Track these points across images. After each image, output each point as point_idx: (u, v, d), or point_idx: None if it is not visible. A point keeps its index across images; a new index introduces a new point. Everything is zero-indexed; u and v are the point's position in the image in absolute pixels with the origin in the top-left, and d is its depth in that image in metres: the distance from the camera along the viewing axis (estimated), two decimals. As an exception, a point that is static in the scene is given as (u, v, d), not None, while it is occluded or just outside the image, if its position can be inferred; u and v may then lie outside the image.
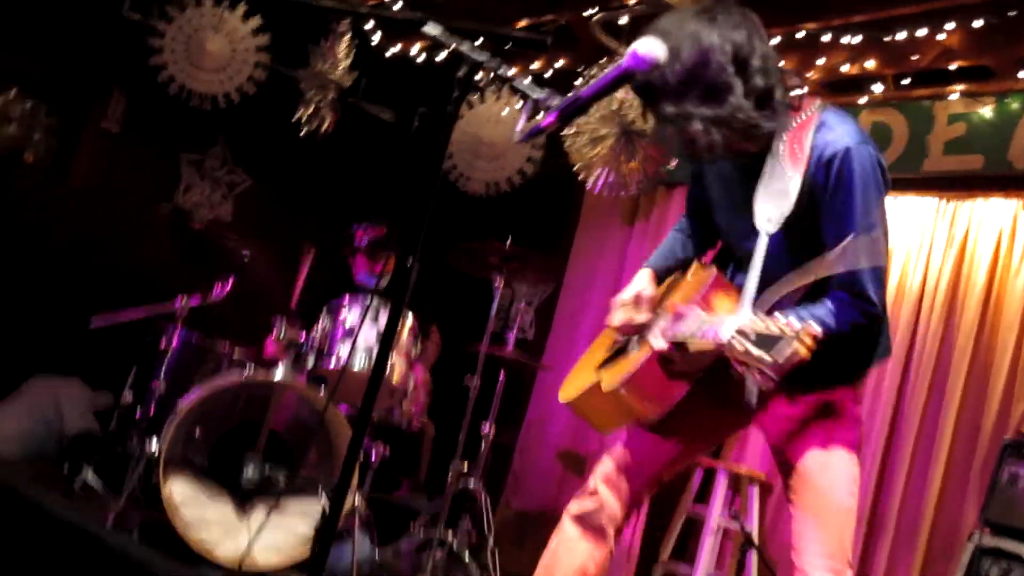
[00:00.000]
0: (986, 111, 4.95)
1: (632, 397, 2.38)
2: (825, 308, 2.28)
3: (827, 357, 2.08)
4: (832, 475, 2.46)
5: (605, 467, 2.62)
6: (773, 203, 2.33)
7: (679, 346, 2.27)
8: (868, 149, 2.32)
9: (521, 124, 2.31)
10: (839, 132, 2.33)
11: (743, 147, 2.38)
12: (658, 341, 2.30)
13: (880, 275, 2.34)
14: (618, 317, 2.56)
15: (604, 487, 2.59)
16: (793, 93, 2.39)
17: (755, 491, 5.42)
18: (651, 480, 2.63)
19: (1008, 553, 3.69)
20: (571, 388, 2.68)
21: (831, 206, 2.30)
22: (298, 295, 4.81)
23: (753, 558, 5.25)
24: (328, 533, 2.24)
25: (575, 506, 2.61)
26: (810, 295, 2.32)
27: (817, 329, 1.94)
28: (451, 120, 2.31)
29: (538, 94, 2.31)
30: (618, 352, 2.60)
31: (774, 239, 2.32)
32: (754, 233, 2.35)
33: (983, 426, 4.86)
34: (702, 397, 2.45)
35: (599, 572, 2.56)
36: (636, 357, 2.42)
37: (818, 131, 2.34)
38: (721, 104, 2.25)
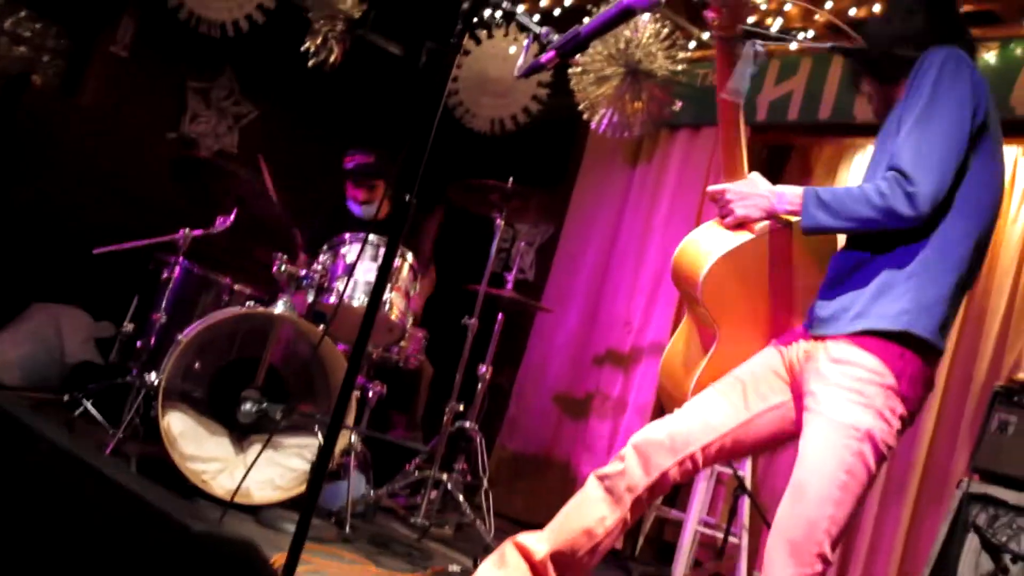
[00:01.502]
0: (990, 56, 4.90)
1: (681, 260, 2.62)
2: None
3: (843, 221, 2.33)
4: (822, 452, 2.37)
5: (641, 435, 2.58)
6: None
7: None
8: (947, 50, 2.44)
9: (521, 59, 2.29)
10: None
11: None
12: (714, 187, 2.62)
13: (937, 166, 2.33)
14: None
15: (633, 454, 2.54)
16: None
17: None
18: (684, 461, 2.54)
19: (995, 499, 3.71)
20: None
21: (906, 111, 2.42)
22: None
23: (745, 504, 5.29)
24: (321, 469, 2.25)
25: (606, 467, 2.58)
26: None
27: None
28: (454, 53, 2.30)
29: (539, 29, 2.30)
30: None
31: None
32: None
33: (975, 374, 4.89)
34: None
35: (607, 537, 2.52)
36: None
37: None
38: None
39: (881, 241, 2.43)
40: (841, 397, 2.36)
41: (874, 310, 2.38)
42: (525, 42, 2.32)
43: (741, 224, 2.63)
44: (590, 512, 2.54)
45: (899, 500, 4.95)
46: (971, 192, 2.41)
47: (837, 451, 2.34)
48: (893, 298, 2.37)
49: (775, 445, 2.65)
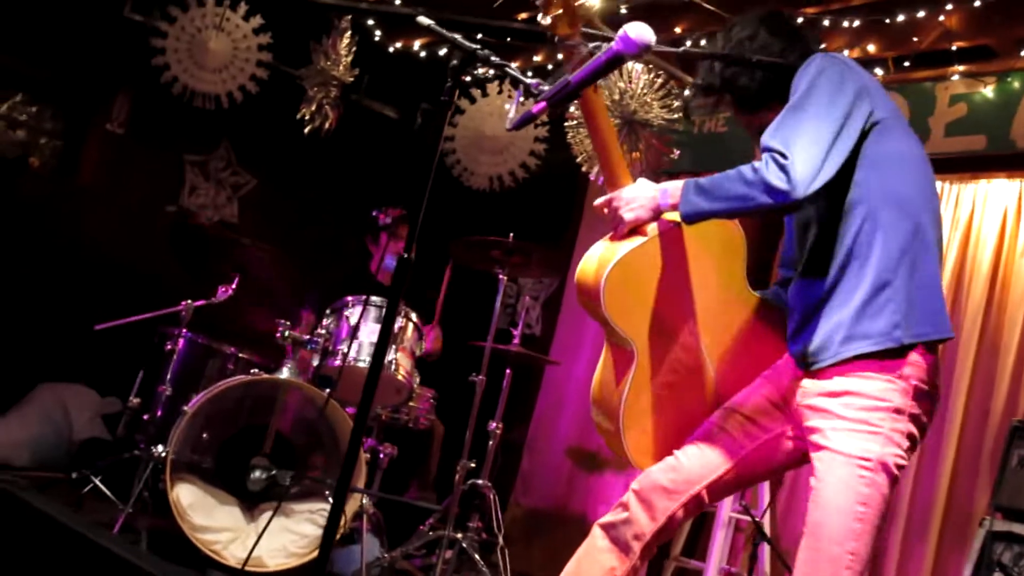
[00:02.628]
0: (988, 91, 4.92)
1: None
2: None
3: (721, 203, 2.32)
4: (835, 488, 2.31)
5: (641, 481, 2.53)
6: None
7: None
8: (827, 55, 2.46)
9: (512, 111, 2.29)
10: None
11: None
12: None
13: (811, 146, 2.28)
14: None
15: (635, 501, 2.50)
16: None
17: (765, 482, 5.38)
18: (690, 502, 2.49)
19: (1020, 537, 3.65)
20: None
21: None
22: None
23: (766, 551, 5.21)
24: (330, 534, 2.22)
25: (608, 516, 2.54)
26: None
27: None
28: (445, 110, 2.30)
29: (529, 81, 2.30)
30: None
31: None
32: None
33: (992, 409, 4.83)
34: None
35: None
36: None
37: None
38: None
39: (838, 261, 2.38)
40: (847, 429, 2.30)
41: (861, 331, 2.31)
42: (516, 94, 2.32)
43: (635, 230, 2.56)
44: (599, 564, 2.49)
45: (922, 540, 4.87)
46: (893, 183, 2.38)
47: (850, 485, 2.28)
48: (876, 312, 2.31)
49: (778, 474, 2.60)
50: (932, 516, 4.87)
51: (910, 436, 2.33)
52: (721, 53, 2.59)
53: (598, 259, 2.56)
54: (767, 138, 2.32)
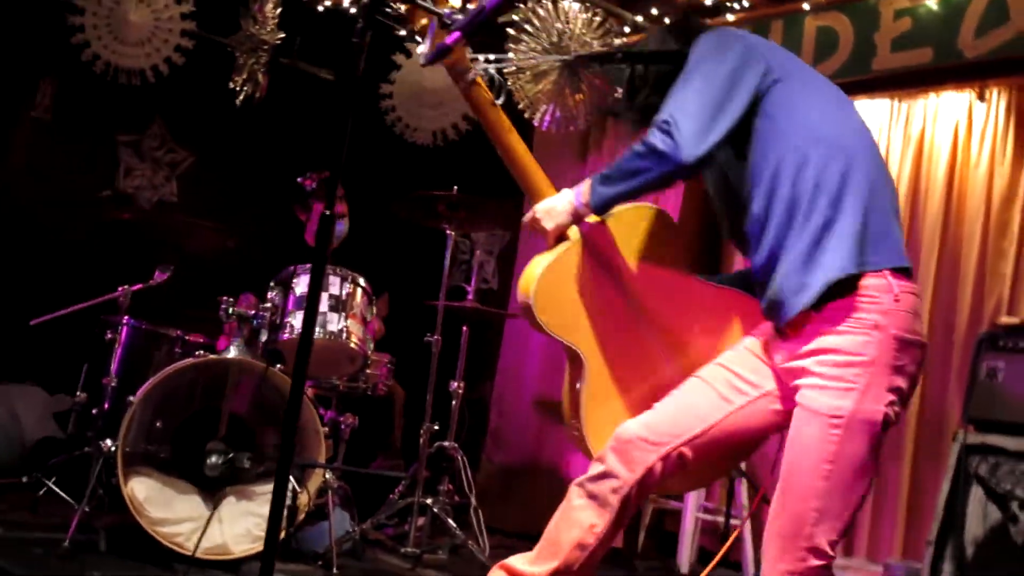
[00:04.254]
0: (931, 3, 4.82)
1: None
2: None
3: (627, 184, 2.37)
4: (803, 445, 2.27)
5: (618, 434, 2.44)
6: None
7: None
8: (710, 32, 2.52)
9: (426, 45, 2.16)
10: None
11: None
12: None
13: (696, 112, 2.31)
14: None
15: (612, 455, 2.41)
16: None
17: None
18: (669, 456, 2.39)
19: (994, 448, 3.60)
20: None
21: None
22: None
23: (743, 487, 5.17)
24: (278, 512, 2.11)
25: (586, 474, 2.45)
26: None
27: None
28: (359, 53, 2.17)
29: (442, 11, 2.17)
30: None
31: None
32: None
33: (957, 323, 4.82)
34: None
35: (600, 546, 2.39)
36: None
37: None
38: None
39: (778, 217, 2.32)
40: (819, 387, 2.26)
41: (811, 277, 2.25)
42: (429, 26, 2.19)
43: (561, 238, 2.57)
44: (578, 522, 2.40)
45: (897, 460, 4.87)
46: (814, 126, 2.35)
47: (817, 442, 2.24)
48: (822, 254, 2.26)
49: (767, 435, 2.51)
50: (905, 434, 4.87)
51: (894, 389, 2.25)
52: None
53: (524, 277, 2.55)
54: (655, 116, 2.34)
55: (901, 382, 2.26)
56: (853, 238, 2.24)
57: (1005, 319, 4.05)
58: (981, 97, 4.97)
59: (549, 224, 2.51)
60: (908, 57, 4.90)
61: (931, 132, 5.12)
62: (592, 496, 2.40)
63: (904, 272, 2.30)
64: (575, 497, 2.43)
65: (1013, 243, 4.74)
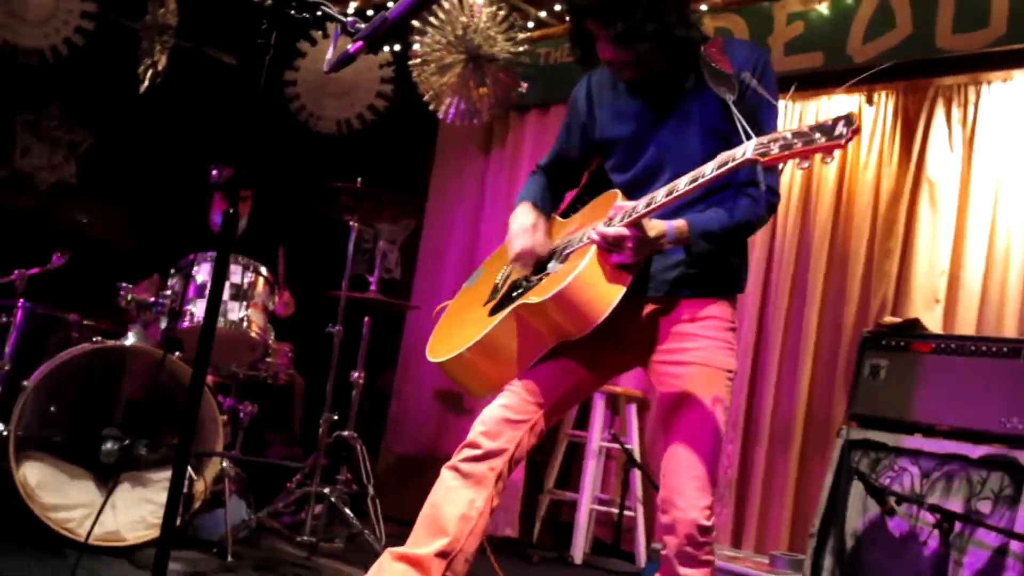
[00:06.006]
0: (823, 8, 4.98)
1: (573, 300, 2.39)
2: (742, 203, 2.49)
3: (727, 247, 2.51)
4: (709, 396, 2.52)
5: (483, 417, 2.60)
6: (697, 106, 2.55)
7: (636, 226, 2.35)
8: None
9: (330, 52, 2.19)
10: (749, 44, 2.83)
11: (664, 63, 2.55)
12: (613, 229, 2.35)
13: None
14: (519, 243, 2.64)
15: (481, 437, 2.55)
16: None
17: (633, 409, 5.44)
18: (532, 427, 2.59)
19: (875, 444, 3.73)
20: (444, 346, 2.70)
21: (756, 104, 2.49)
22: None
23: (637, 477, 5.29)
24: (175, 499, 2.12)
25: (455, 457, 2.57)
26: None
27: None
28: (264, 52, 2.19)
29: (345, 19, 2.20)
30: (515, 288, 2.63)
31: (686, 142, 2.54)
32: (657, 141, 2.57)
33: (844, 322, 4.96)
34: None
35: (481, 518, 2.51)
36: (573, 263, 2.46)
37: (728, 47, 2.60)
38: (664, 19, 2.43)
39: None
40: (715, 348, 2.56)
41: (719, 278, 2.61)
42: (333, 33, 2.21)
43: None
44: (457, 499, 2.51)
45: (785, 452, 5.00)
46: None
47: (719, 393, 2.53)
48: (721, 266, 2.60)
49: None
50: (794, 429, 5.00)
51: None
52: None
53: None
54: (770, 177, 2.46)
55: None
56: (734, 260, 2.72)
57: (888, 319, 4.19)
58: (870, 101, 5.13)
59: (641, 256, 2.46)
60: (801, 61, 5.05)
61: (823, 135, 5.24)
62: (467, 476, 2.52)
63: None
64: (449, 479, 2.55)
65: (898, 243, 4.89)
